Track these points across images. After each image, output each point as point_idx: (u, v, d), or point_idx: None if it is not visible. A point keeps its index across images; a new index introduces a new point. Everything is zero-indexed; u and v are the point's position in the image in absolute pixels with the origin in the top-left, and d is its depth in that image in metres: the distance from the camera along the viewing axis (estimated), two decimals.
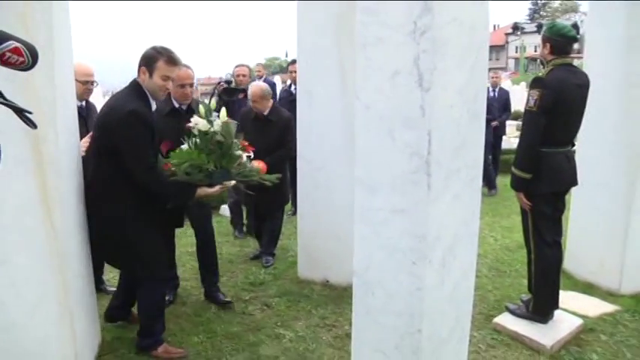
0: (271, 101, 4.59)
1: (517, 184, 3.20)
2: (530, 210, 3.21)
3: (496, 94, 7.79)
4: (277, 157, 4.43)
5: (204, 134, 2.83)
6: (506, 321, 3.39)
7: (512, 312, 3.45)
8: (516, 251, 4.85)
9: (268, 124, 4.49)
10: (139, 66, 2.81)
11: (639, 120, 3.69)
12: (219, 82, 5.27)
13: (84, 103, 3.74)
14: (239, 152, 2.97)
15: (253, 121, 4.51)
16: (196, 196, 2.90)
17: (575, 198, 4.20)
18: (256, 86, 4.60)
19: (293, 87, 6.13)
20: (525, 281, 3.53)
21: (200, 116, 2.89)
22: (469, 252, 2.21)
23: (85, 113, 3.71)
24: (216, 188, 2.92)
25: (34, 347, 2.44)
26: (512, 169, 3.22)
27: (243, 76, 5.93)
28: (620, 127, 3.78)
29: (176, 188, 2.84)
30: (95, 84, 3.73)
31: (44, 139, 2.30)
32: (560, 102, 3.02)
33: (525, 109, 3.14)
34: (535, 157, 3.09)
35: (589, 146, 4.00)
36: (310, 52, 3.99)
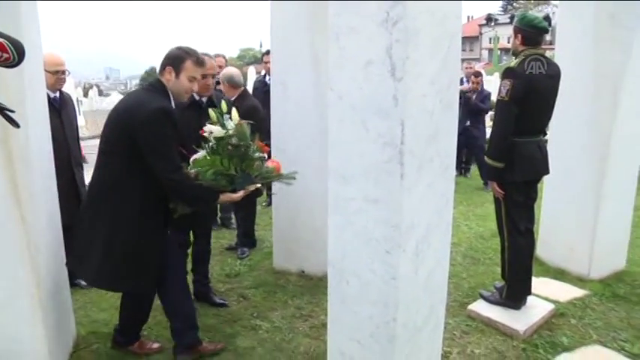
0: (240, 89, 4.46)
1: (490, 174, 3.25)
2: (503, 198, 3.26)
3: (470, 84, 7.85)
4: None
5: (220, 139, 2.70)
6: (480, 308, 3.45)
7: (486, 299, 3.51)
8: (490, 239, 4.93)
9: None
10: (164, 65, 2.67)
11: (607, 110, 3.76)
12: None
13: (58, 94, 3.66)
14: (257, 154, 2.82)
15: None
16: (220, 201, 2.78)
17: (547, 186, 4.29)
18: (225, 70, 4.54)
19: (267, 77, 6.09)
20: (499, 269, 3.59)
21: (213, 122, 2.75)
22: (443, 240, 2.23)
23: (59, 105, 3.64)
24: (240, 193, 2.74)
25: (4, 344, 2.41)
26: (485, 158, 3.27)
27: (220, 67, 5.87)
28: (590, 117, 3.86)
29: (202, 192, 2.67)
30: (67, 73, 3.65)
31: (13, 130, 2.24)
32: (531, 92, 3.07)
33: (497, 99, 3.18)
34: (507, 146, 3.14)
35: (560, 136, 4.08)
36: (284, 42, 3.97)
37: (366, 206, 1.96)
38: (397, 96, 1.79)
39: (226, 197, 2.74)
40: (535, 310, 3.41)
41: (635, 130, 3.99)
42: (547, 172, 3.36)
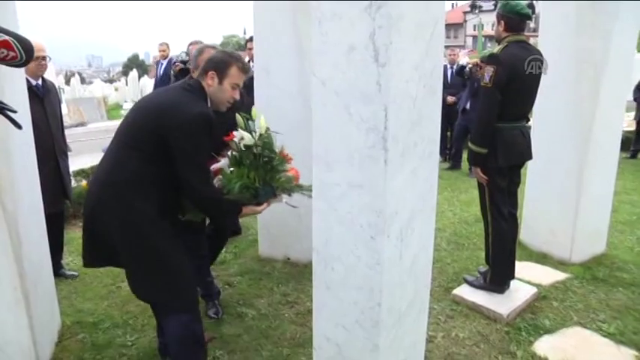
0: None
1: (474, 159, 3.27)
2: (486, 184, 3.29)
3: (454, 71, 7.88)
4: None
5: (248, 148, 2.54)
6: (465, 292, 3.49)
7: (470, 283, 3.56)
8: (474, 225, 4.98)
9: None
10: (206, 69, 2.46)
11: (589, 96, 3.80)
12: (174, 62, 5.15)
13: (40, 81, 3.59)
14: (283, 166, 2.67)
15: None
16: (242, 215, 2.59)
17: (530, 172, 4.33)
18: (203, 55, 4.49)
19: (251, 64, 6.06)
20: (483, 253, 3.63)
21: (241, 126, 2.56)
22: (427, 226, 2.25)
23: (42, 93, 3.57)
24: (264, 206, 2.60)
25: None
26: (469, 144, 3.29)
27: None
28: (572, 103, 3.89)
29: (229, 207, 2.50)
30: (48, 59, 3.58)
31: None
32: (514, 78, 3.09)
33: (481, 86, 3.20)
34: (491, 132, 3.16)
35: (543, 121, 4.12)
36: (267, 29, 3.94)
37: (350, 192, 1.97)
38: (380, 81, 1.79)
39: (249, 210, 2.58)
40: (518, 293, 3.46)
41: (617, 116, 4.05)
42: (530, 157, 3.39)
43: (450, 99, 7.60)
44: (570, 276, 3.84)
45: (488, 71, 3.09)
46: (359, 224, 1.97)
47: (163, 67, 8.39)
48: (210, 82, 2.45)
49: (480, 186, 3.38)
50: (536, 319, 3.24)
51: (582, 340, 3.04)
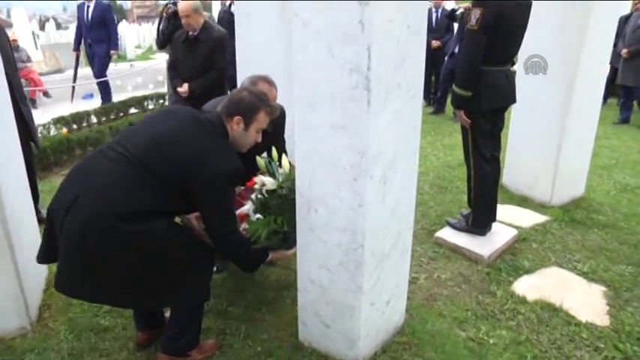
0: (204, 15, 4.36)
1: (457, 102, 3.25)
2: (469, 127, 3.29)
3: (439, 15, 7.73)
4: (207, 79, 4.33)
5: (271, 192, 2.46)
6: (447, 235, 3.55)
7: (453, 226, 3.62)
8: (457, 168, 5.02)
9: (197, 44, 4.33)
10: (232, 114, 2.26)
11: (574, 39, 3.76)
12: (166, 5, 4.97)
13: None
14: None
15: (183, 42, 4.37)
16: (271, 260, 2.47)
17: (514, 116, 4.34)
18: (186, 3, 4.34)
19: (233, 7, 5.89)
20: (465, 197, 3.67)
21: (262, 171, 2.48)
22: (410, 167, 2.26)
23: None
24: (294, 250, 2.45)
25: None
26: (453, 86, 3.26)
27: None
28: (557, 47, 3.85)
29: (255, 254, 2.39)
30: None
31: None
32: (501, 21, 3.03)
33: (466, 28, 3.14)
34: (475, 75, 3.13)
35: None
36: None
37: (332, 133, 1.96)
38: (363, 21, 1.75)
39: (279, 255, 2.52)
40: (499, 236, 3.53)
41: (602, 59, 4.03)
42: (514, 101, 3.38)
43: (435, 43, 7.50)
44: (550, 218, 3.92)
45: (475, 14, 3.03)
46: (342, 166, 1.98)
47: (90, 10, 7.34)
48: (236, 127, 2.27)
49: (464, 129, 3.38)
50: (515, 260, 3.33)
51: (558, 279, 3.13)
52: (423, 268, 3.25)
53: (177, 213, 2.13)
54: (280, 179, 2.46)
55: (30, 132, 3.64)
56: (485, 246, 3.39)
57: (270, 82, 2.91)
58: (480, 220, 3.48)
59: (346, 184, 2.00)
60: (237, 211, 2.51)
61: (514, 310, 2.82)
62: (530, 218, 3.93)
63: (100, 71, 7.57)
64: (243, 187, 2.62)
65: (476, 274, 3.17)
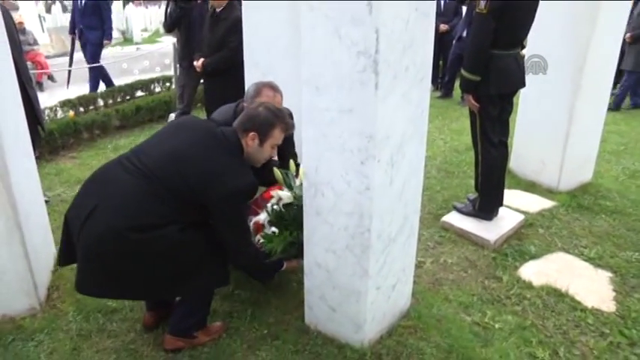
0: None
1: (466, 86, 3.23)
2: (478, 111, 3.26)
3: None
4: (219, 57, 4.36)
5: (288, 206, 2.49)
6: (454, 219, 3.55)
7: (459, 210, 3.61)
8: (464, 153, 4.99)
9: (219, 21, 4.36)
10: (247, 129, 2.27)
11: (586, 22, 3.71)
12: None
13: None
14: None
15: (210, 18, 4.47)
16: (285, 268, 2.59)
17: (522, 100, 4.30)
18: None
19: None
20: (472, 181, 3.66)
21: (279, 181, 2.49)
22: (418, 151, 2.24)
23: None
24: None
25: None
26: (462, 71, 3.23)
27: None
28: (568, 30, 3.80)
29: (268, 266, 2.48)
30: None
31: None
32: (510, 5, 2.99)
33: (475, 12, 3.10)
34: (484, 59, 3.10)
35: (537, 49, 4.03)
36: None
37: (339, 117, 1.95)
38: (371, 3, 1.73)
39: (294, 264, 2.61)
40: (506, 220, 3.53)
41: (613, 44, 3.97)
42: (523, 85, 3.35)
43: (443, 27, 7.41)
44: (557, 204, 3.90)
45: None
46: (349, 149, 1.97)
47: None
48: (251, 143, 2.28)
49: (472, 114, 3.35)
50: (522, 245, 3.32)
51: (564, 264, 3.13)
52: (429, 253, 3.25)
53: (191, 223, 2.15)
54: (297, 192, 2.47)
55: (36, 115, 3.64)
56: (491, 231, 3.39)
57: (274, 88, 2.89)
58: (486, 205, 3.47)
59: (353, 168, 1.99)
60: (253, 220, 2.57)
61: (520, 295, 2.82)
62: (537, 203, 3.91)
63: (92, 59, 7.13)
64: (258, 196, 2.62)
65: (482, 259, 3.17)
